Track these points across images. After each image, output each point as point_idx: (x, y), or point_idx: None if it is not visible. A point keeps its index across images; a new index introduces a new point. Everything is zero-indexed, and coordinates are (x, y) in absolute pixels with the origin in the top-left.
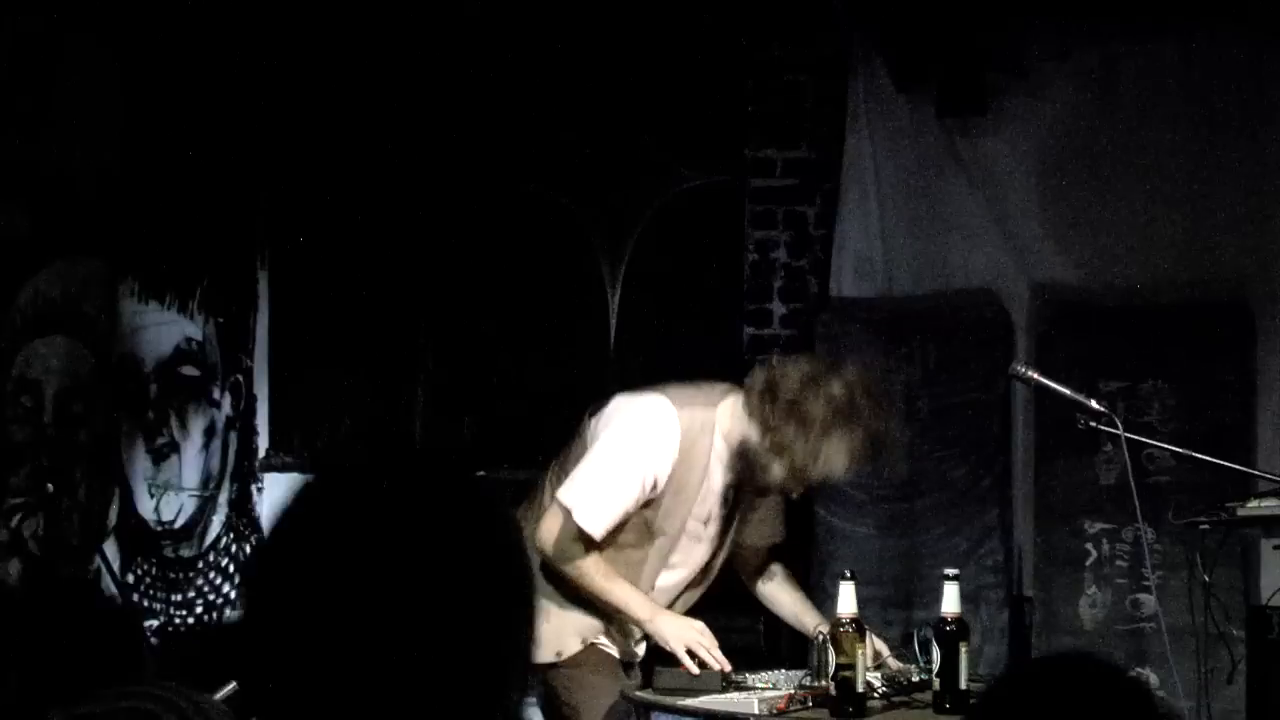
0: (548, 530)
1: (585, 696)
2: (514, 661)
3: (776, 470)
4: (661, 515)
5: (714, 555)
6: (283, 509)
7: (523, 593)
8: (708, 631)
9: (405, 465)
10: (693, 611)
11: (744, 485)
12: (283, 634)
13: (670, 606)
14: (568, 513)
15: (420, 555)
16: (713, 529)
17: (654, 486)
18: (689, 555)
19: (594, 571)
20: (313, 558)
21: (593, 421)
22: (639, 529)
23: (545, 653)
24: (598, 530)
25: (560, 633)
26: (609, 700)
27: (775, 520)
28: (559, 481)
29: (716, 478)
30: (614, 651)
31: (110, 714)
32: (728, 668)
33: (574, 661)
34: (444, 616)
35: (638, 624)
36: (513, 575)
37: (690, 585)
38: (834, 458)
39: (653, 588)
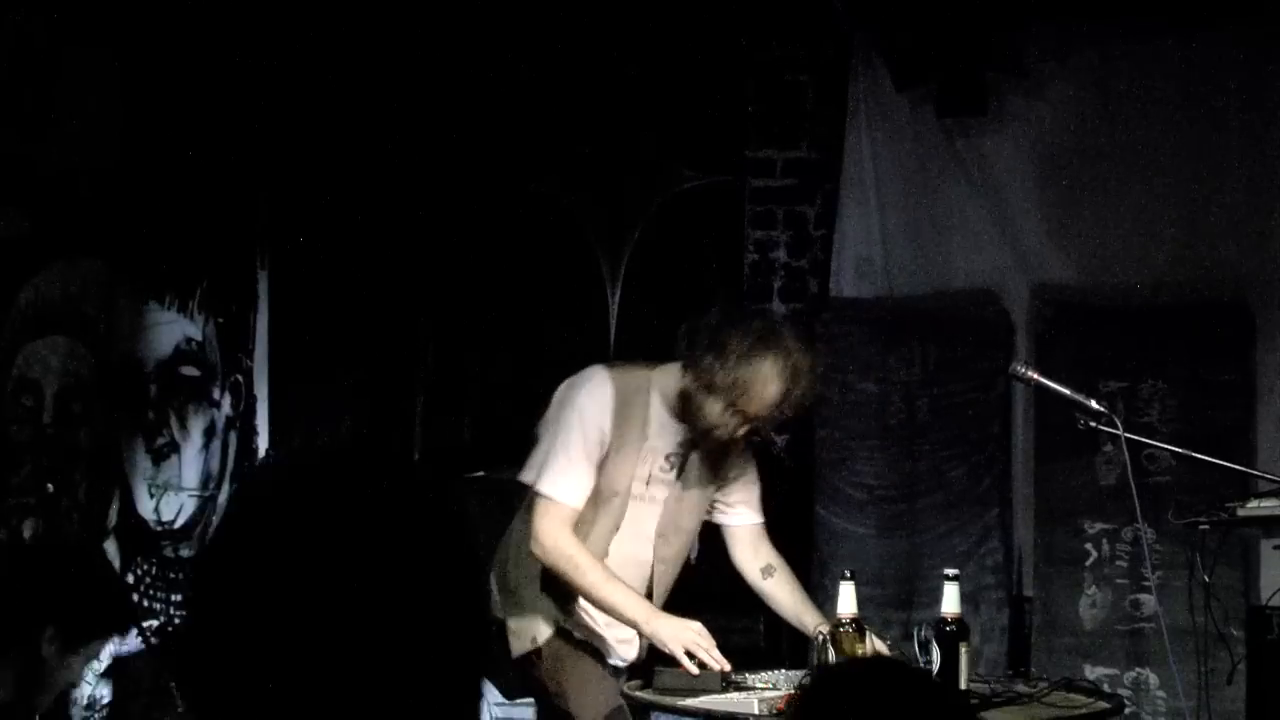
0: (535, 526)
1: (569, 676)
2: (467, 648)
3: (709, 407)
4: (605, 476)
5: (668, 522)
6: (226, 508)
7: (471, 581)
8: (705, 632)
9: (345, 458)
10: (692, 612)
11: (694, 439)
12: (224, 632)
13: (649, 588)
14: (537, 495)
15: (360, 545)
16: (658, 491)
17: (602, 442)
18: (639, 522)
19: (590, 569)
20: (252, 554)
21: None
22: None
23: (523, 643)
24: (572, 497)
25: (533, 622)
26: (594, 677)
27: (744, 496)
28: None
29: (656, 437)
30: (580, 634)
31: None
32: (727, 667)
33: (552, 647)
34: (383, 609)
35: (634, 625)
36: (459, 562)
37: (659, 561)
38: (757, 383)
39: (606, 554)
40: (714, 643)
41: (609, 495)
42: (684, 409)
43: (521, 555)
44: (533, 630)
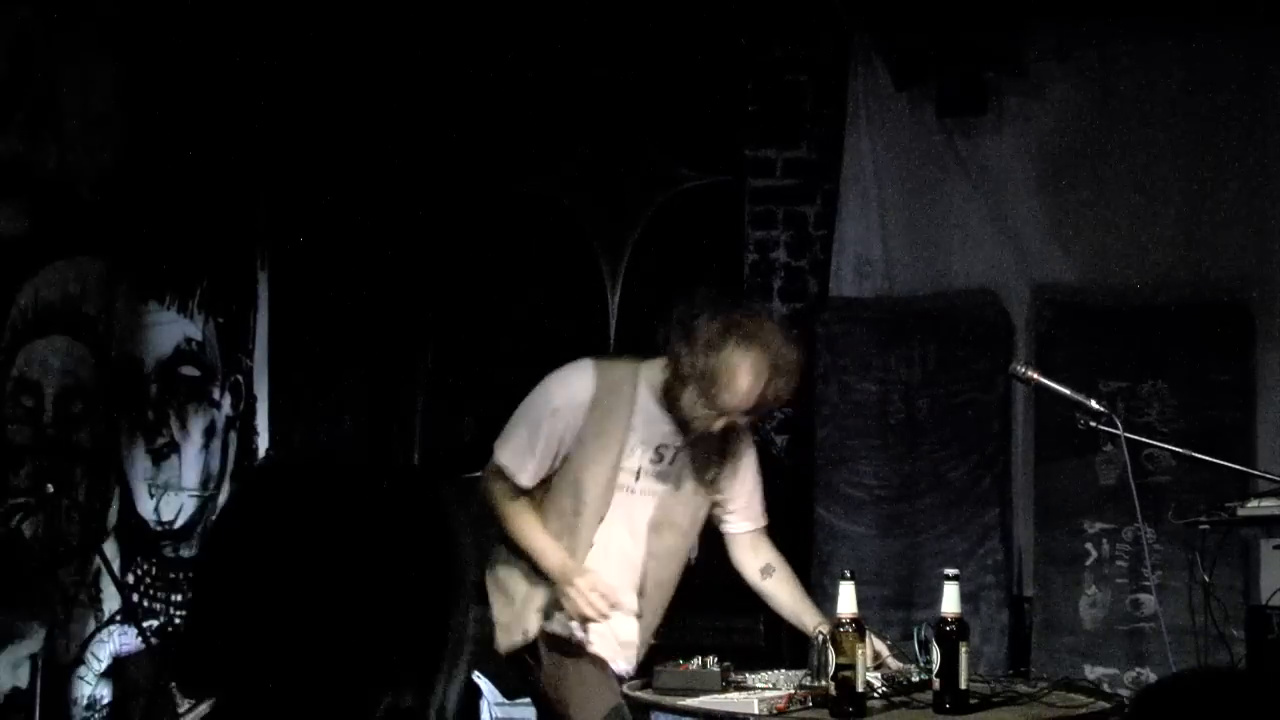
0: (482, 484)
1: (568, 677)
2: (446, 641)
3: (686, 397)
4: (585, 464)
5: (660, 515)
6: (224, 503)
7: (454, 575)
8: (601, 583)
9: (340, 458)
10: (693, 611)
11: (681, 432)
12: (222, 619)
13: (641, 583)
14: (491, 458)
15: (350, 540)
16: (649, 484)
17: (565, 431)
18: (630, 515)
19: (516, 516)
20: (250, 548)
21: None
22: (570, 484)
23: (512, 637)
24: (521, 475)
25: (521, 616)
26: (593, 678)
27: (746, 501)
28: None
29: (644, 428)
30: (565, 631)
31: None
32: (609, 617)
33: (551, 649)
34: (370, 598)
35: (550, 574)
36: (444, 559)
37: (650, 556)
38: (724, 374)
39: (591, 544)
40: (609, 591)
41: (590, 486)
42: (666, 399)
43: (510, 553)
44: (522, 624)
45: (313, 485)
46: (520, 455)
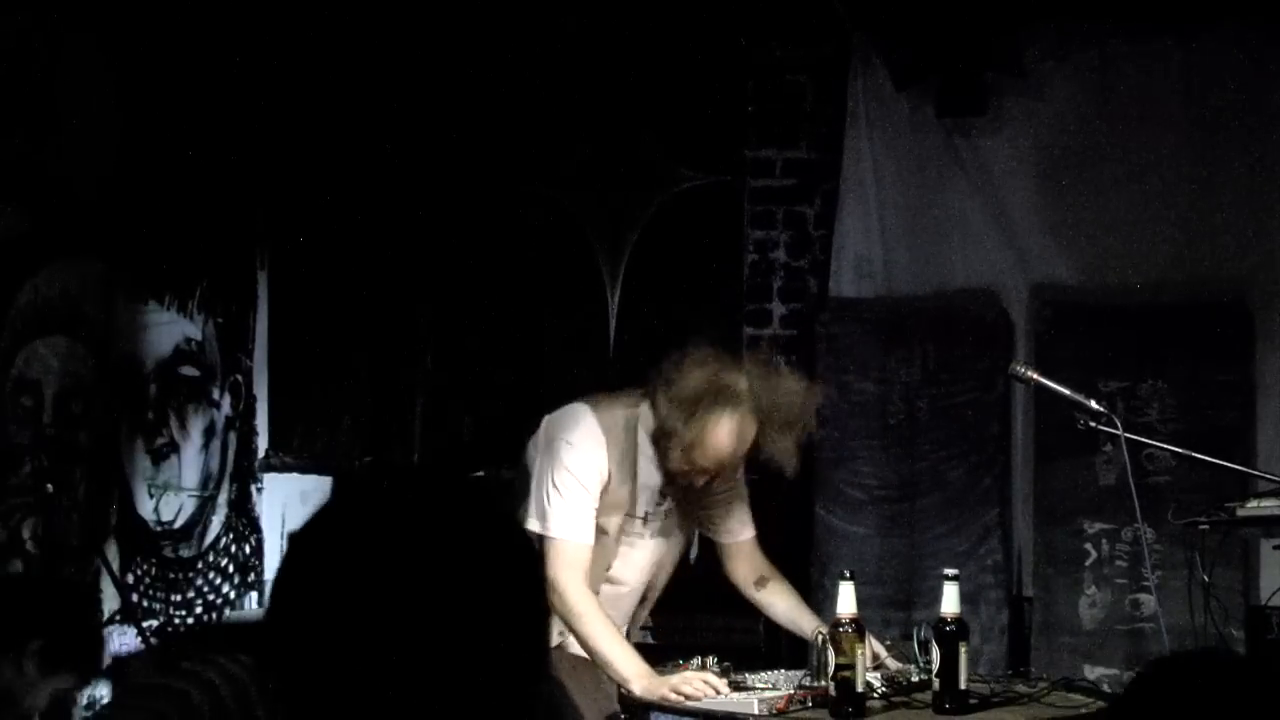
0: (550, 574)
1: (567, 679)
2: (536, 654)
3: (671, 454)
4: (600, 514)
5: (664, 554)
6: (309, 516)
7: (533, 589)
8: (692, 678)
9: (411, 470)
10: (693, 611)
11: (669, 478)
12: (306, 632)
13: (644, 597)
14: (546, 540)
15: (439, 557)
16: (655, 526)
17: (601, 477)
18: (633, 558)
19: (591, 620)
20: (333, 560)
21: (530, 443)
22: None
23: None
24: (581, 535)
25: None
26: (592, 680)
27: (734, 514)
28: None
29: (648, 475)
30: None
31: (145, 690)
32: (725, 692)
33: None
34: (465, 617)
35: (624, 683)
36: (522, 572)
37: (650, 589)
38: (715, 437)
39: (598, 591)
40: (720, 681)
41: (599, 535)
42: (656, 447)
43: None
44: None
45: (404, 493)
46: (571, 517)
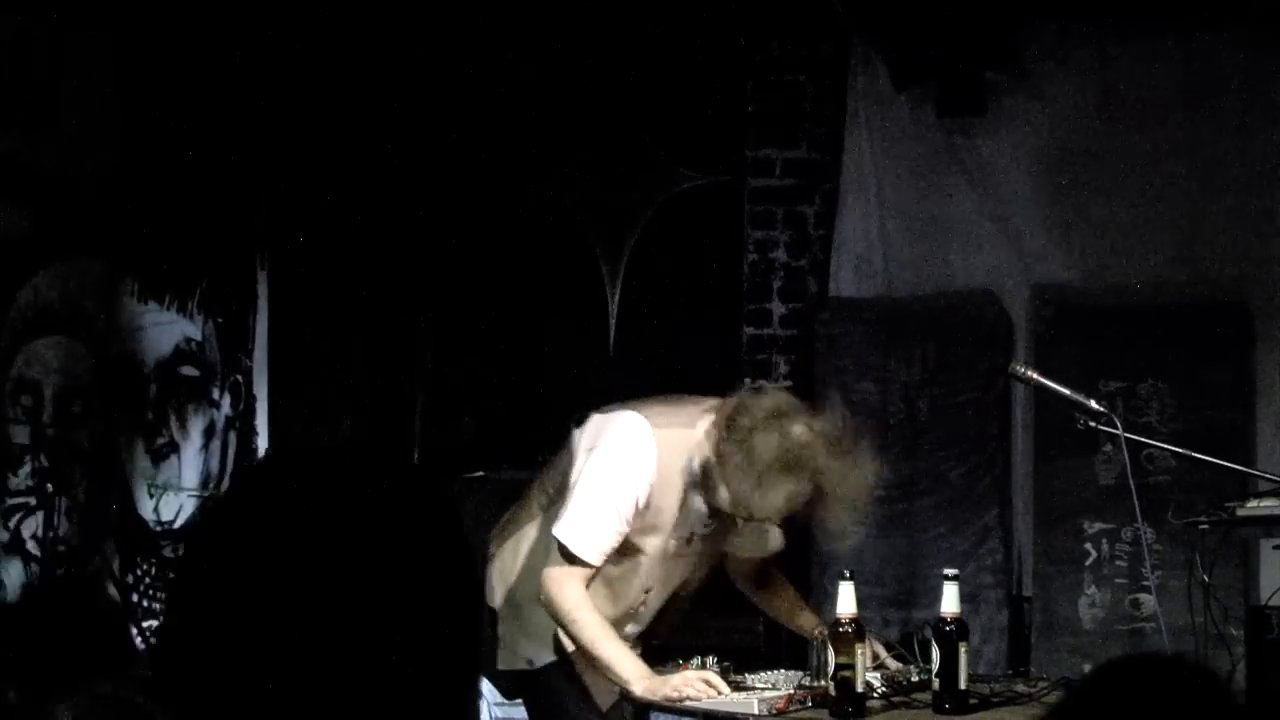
0: (547, 573)
1: (569, 690)
2: (465, 652)
3: (723, 497)
4: (641, 536)
5: (694, 572)
6: (222, 494)
7: (470, 583)
8: (691, 678)
9: (346, 455)
10: (693, 611)
11: (714, 512)
12: (212, 627)
13: (653, 623)
14: (563, 548)
15: (361, 543)
16: (697, 547)
17: (642, 505)
18: (669, 574)
19: (589, 627)
20: (241, 551)
21: (576, 434)
22: (621, 551)
23: (516, 660)
24: (595, 558)
25: (532, 644)
26: (595, 688)
27: (771, 533)
28: (545, 496)
29: (697, 499)
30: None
31: (103, 702)
32: (726, 692)
33: (553, 667)
34: (385, 606)
35: (624, 685)
36: (458, 566)
37: (676, 600)
38: (771, 500)
39: (631, 608)
40: (720, 681)
41: (641, 555)
42: (704, 478)
43: (532, 572)
44: (529, 652)
45: (315, 480)
46: (598, 545)
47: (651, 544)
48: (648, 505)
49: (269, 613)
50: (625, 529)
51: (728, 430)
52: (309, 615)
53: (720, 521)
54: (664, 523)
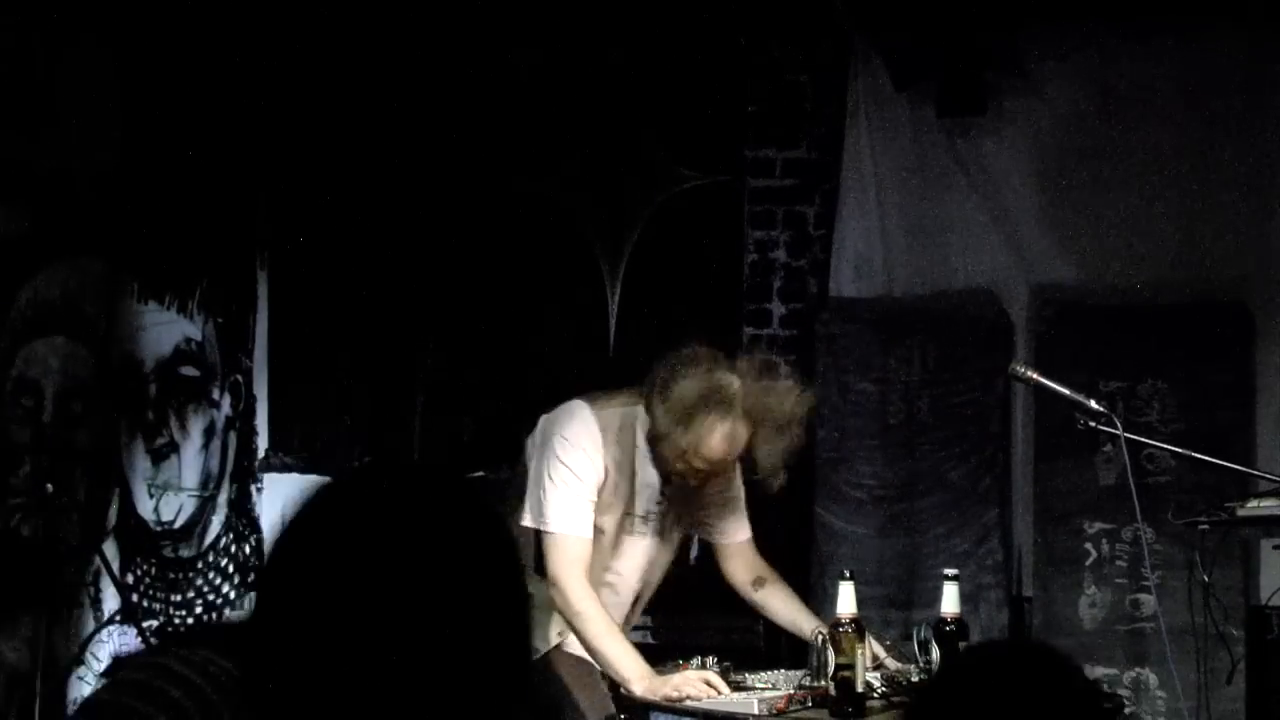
0: (551, 569)
1: (565, 680)
2: (520, 658)
3: (665, 454)
4: (599, 512)
5: (659, 552)
6: (291, 513)
7: (521, 590)
8: (691, 677)
9: (403, 469)
10: (693, 611)
11: (666, 478)
12: (291, 636)
13: (639, 597)
14: (545, 535)
15: (425, 556)
16: (654, 525)
17: (597, 473)
18: (632, 555)
19: (592, 621)
20: (320, 560)
21: (528, 442)
22: None
23: None
24: (579, 528)
25: (536, 635)
26: (589, 681)
27: (730, 516)
28: (516, 500)
29: (648, 473)
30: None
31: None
32: (726, 692)
33: (549, 657)
34: (450, 617)
35: (625, 684)
36: (511, 574)
37: (645, 586)
38: (707, 440)
39: (598, 591)
40: (720, 681)
41: (598, 533)
42: (649, 444)
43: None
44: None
45: (403, 492)
46: (569, 511)
47: (608, 522)
48: (605, 477)
49: (355, 621)
50: (594, 496)
51: (653, 388)
52: (389, 623)
53: (681, 495)
54: (618, 498)
